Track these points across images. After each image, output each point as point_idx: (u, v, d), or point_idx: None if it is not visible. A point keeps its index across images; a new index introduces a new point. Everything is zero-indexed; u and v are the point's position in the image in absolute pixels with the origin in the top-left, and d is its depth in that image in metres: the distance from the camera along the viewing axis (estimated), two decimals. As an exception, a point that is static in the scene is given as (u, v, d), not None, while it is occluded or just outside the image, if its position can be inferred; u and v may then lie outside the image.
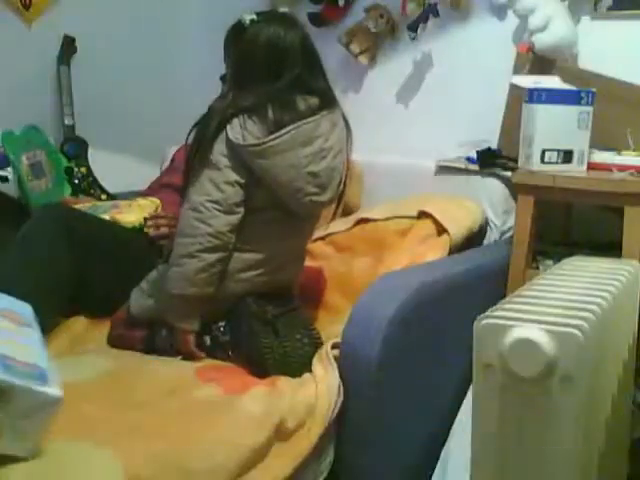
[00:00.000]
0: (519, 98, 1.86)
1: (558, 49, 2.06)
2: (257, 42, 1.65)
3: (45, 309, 1.69)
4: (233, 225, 1.59)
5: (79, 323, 1.87)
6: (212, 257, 1.57)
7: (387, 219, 2.08)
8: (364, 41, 2.50)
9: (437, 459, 1.54)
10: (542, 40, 2.05)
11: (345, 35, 2.51)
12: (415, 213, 2.03)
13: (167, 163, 2.64)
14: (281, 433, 1.35)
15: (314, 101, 1.66)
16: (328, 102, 1.70)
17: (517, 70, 2.09)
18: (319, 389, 1.44)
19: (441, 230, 1.95)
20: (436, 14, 2.32)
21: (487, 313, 1.01)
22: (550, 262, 1.85)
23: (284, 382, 1.46)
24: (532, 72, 2.04)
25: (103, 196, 2.54)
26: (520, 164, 1.84)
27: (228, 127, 1.59)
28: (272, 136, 1.58)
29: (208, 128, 1.61)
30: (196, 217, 1.57)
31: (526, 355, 0.93)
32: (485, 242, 2.07)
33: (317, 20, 2.56)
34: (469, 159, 2.16)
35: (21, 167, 2.26)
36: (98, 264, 1.83)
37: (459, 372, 1.63)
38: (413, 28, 2.35)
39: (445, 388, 1.67)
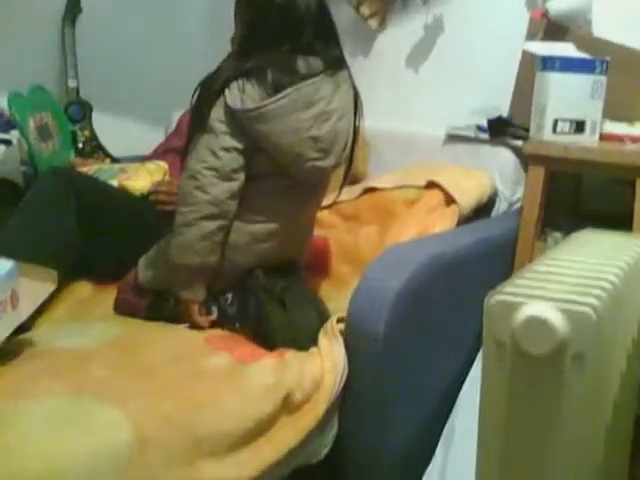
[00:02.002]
0: (532, 65, 1.82)
1: (572, 15, 2.01)
2: (273, 4, 1.57)
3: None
4: (232, 192, 1.55)
5: (84, 288, 1.87)
6: (212, 225, 1.54)
7: (395, 188, 2.06)
8: (374, 4, 2.46)
9: (440, 434, 1.54)
10: (556, 6, 2.00)
11: (355, -3, 2.46)
12: (423, 183, 2.01)
13: (172, 127, 2.60)
14: (288, 406, 1.35)
15: (316, 63, 1.59)
16: (331, 63, 1.61)
17: (530, 36, 2.04)
18: (325, 364, 1.43)
19: (450, 201, 1.93)
20: (448, -23, 2.28)
21: (498, 289, 1.00)
22: (558, 234, 1.84)
23: (291, 355, 1.46)
24: (545, 39, 2.00)
25: (107, 160, 2.52)
26: (531, 134, 1.81)
27: (227, 92, 1.53)
28: (270, 100, 1.51)
29: (208, 92, 1.56)
30: (194, 185, 1.53)
31: (538, 334, 0.91)
32: (494, 213, 2.05)
33: (326, -18, 2.51)
34: (479, 128, 2.12)
35: (28, 130, 2.23)
36: (104, 230, 1.82)
37: (464, 346, 1.63)
38: (424, -9, 2.30)
39: (449, 362, 1.67)
